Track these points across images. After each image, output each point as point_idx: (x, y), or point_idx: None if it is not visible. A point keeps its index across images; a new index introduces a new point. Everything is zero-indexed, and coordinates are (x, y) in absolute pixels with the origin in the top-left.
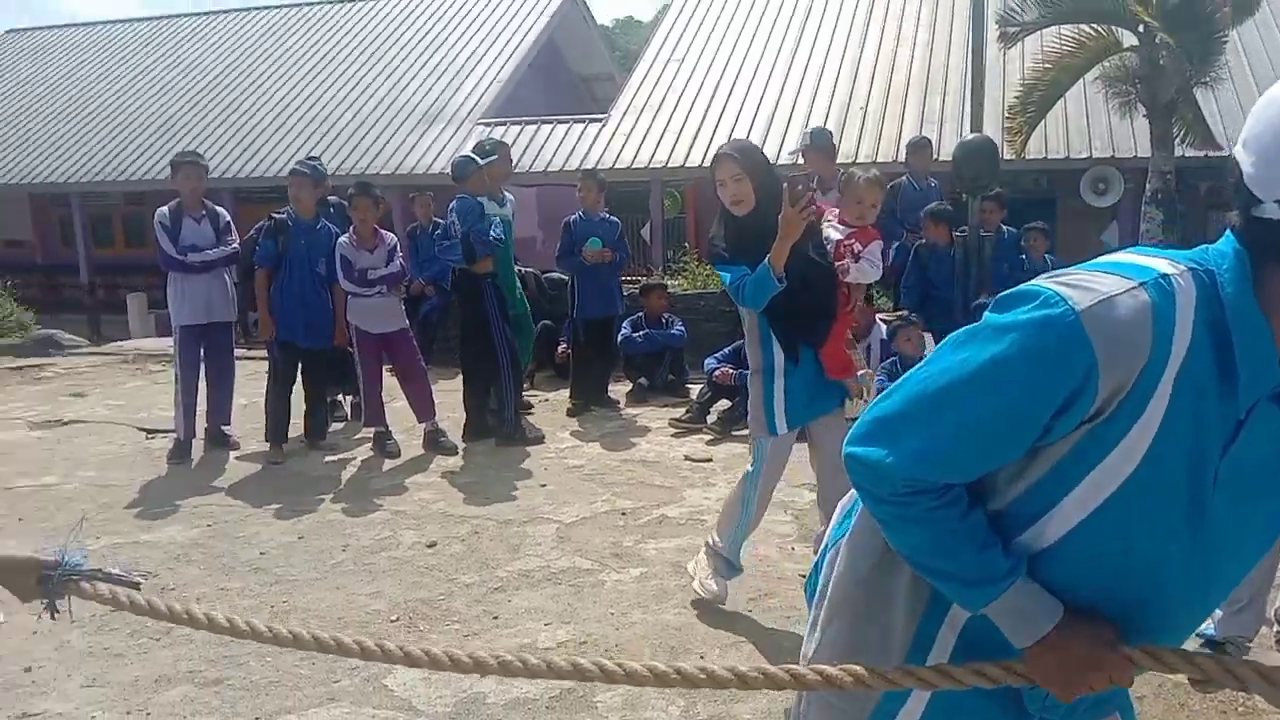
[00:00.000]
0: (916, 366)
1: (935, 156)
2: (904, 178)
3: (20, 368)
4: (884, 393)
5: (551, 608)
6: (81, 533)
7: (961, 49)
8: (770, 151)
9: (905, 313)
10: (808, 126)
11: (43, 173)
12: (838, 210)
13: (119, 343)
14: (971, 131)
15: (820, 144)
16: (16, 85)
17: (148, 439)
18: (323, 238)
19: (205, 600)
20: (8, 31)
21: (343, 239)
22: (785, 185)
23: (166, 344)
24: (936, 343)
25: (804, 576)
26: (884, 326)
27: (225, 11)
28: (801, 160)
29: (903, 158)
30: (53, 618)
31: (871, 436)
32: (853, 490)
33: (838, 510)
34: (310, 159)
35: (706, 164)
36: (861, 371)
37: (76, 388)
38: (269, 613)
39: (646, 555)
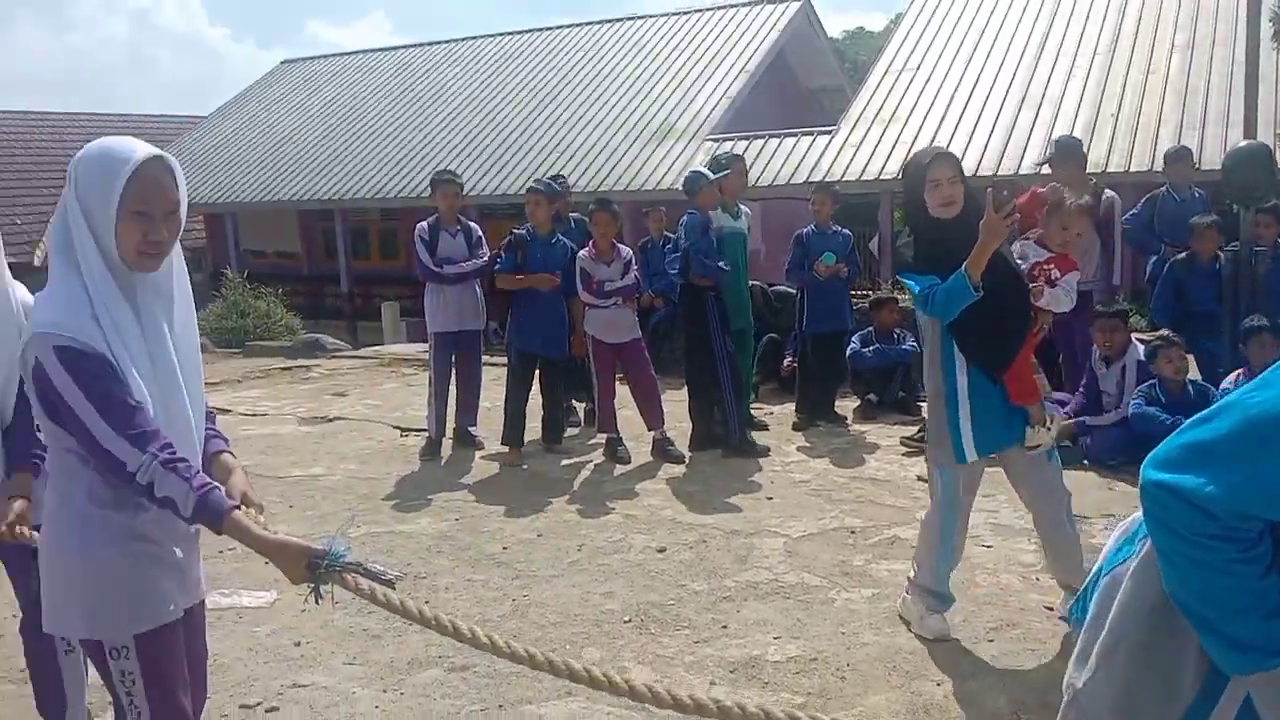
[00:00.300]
0: (1240, 391)
1: (1196, 166)
2: (1163, 189)
3: (290, 368)
4: (1196, 419)
5: (780, 621)
6: (349, 525)
7: (1225, 50)
8: (1010, 161)
9: (1165, 333)
10: (1052, 135)
11: (310, 191)
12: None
13: (375, 347)
14: (1244, 138)
15: (1069, 152)
16: (289, 111)
17: (402, 437)
18: (559, 251)
19: (453, 590)
20: (282, 62)
21: (582, 253)
22: (989, 190)
23: (417, 349)
24: (1199, 366)
25: (1049, 608)
26: (1141, 347)
27: (473, 38)
28: (1048, 170)
29: (1157, 166)
30: (316, 602)
31: (1186, 464)
32: (1135, 515)
33: (1114, 535)
34: (556, 177)
35: None
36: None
37: (339, 387)
38: (510, 605)
39: (878, 576)
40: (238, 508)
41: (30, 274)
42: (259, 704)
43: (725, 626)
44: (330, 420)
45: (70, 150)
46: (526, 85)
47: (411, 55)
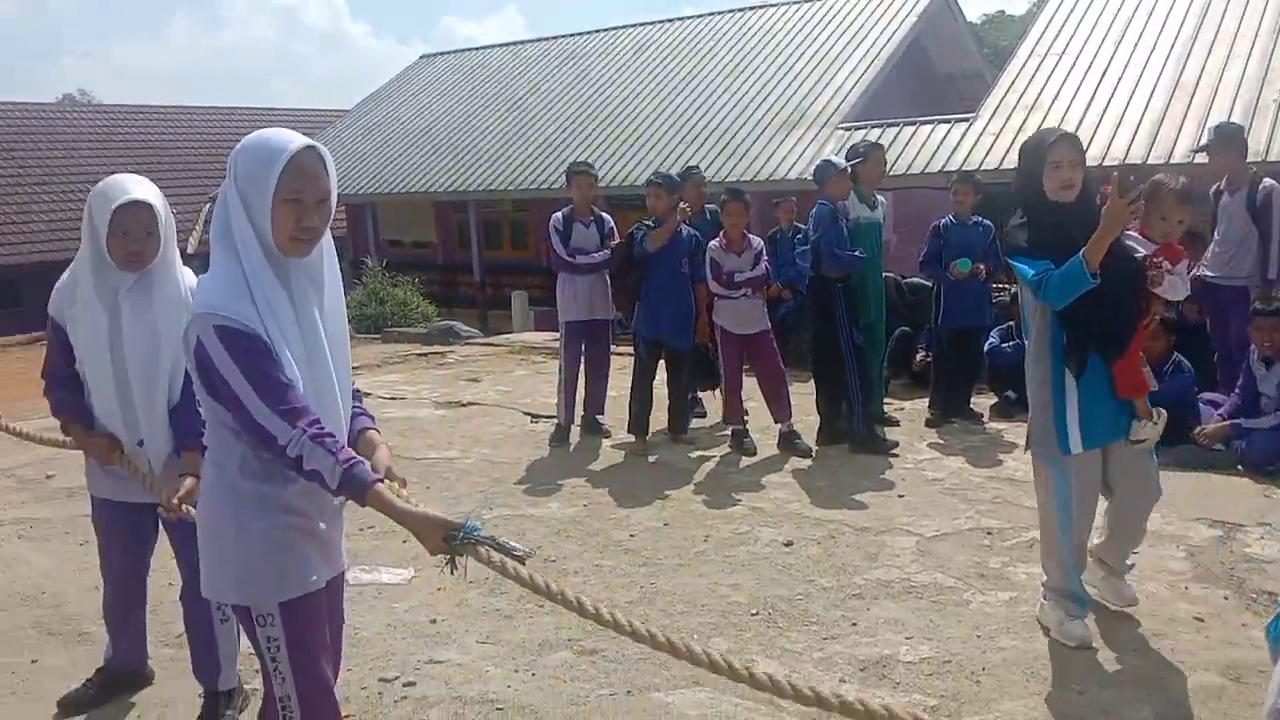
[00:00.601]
0: None
1: None
2: None
3: (425, 354)
4: None
5: (912, 621)
6: (483, 505)
7: None
8: (1161, 149)
9: None
10: (1207, 122)
11: (446, 182)
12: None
13: (506, 335)
14: None
15: (1229, 139)
16: (427, 105)
17: (532, 423)
18: (683, 240)
19: (581, 574)
20: (422, 57)
21: (712, 243)
22: (1115, 175)
23: (546, 337)
24: None
25: (1199, 619)
26: None
27: (605, 30)
28: (1205, 159)
29: None
30: (451, 573)
31: None
32: None
33: None
34: (690, 169)
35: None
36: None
37: (472, 373)
38: (638, 592)
39: (1016, 579)
40: (381, 481)
41: (184, 260)
42: (397, 678)
43: (854, 624)
44: (464, 405)
45: (223, 142)
46: (656, 76)
47: (545, 48)
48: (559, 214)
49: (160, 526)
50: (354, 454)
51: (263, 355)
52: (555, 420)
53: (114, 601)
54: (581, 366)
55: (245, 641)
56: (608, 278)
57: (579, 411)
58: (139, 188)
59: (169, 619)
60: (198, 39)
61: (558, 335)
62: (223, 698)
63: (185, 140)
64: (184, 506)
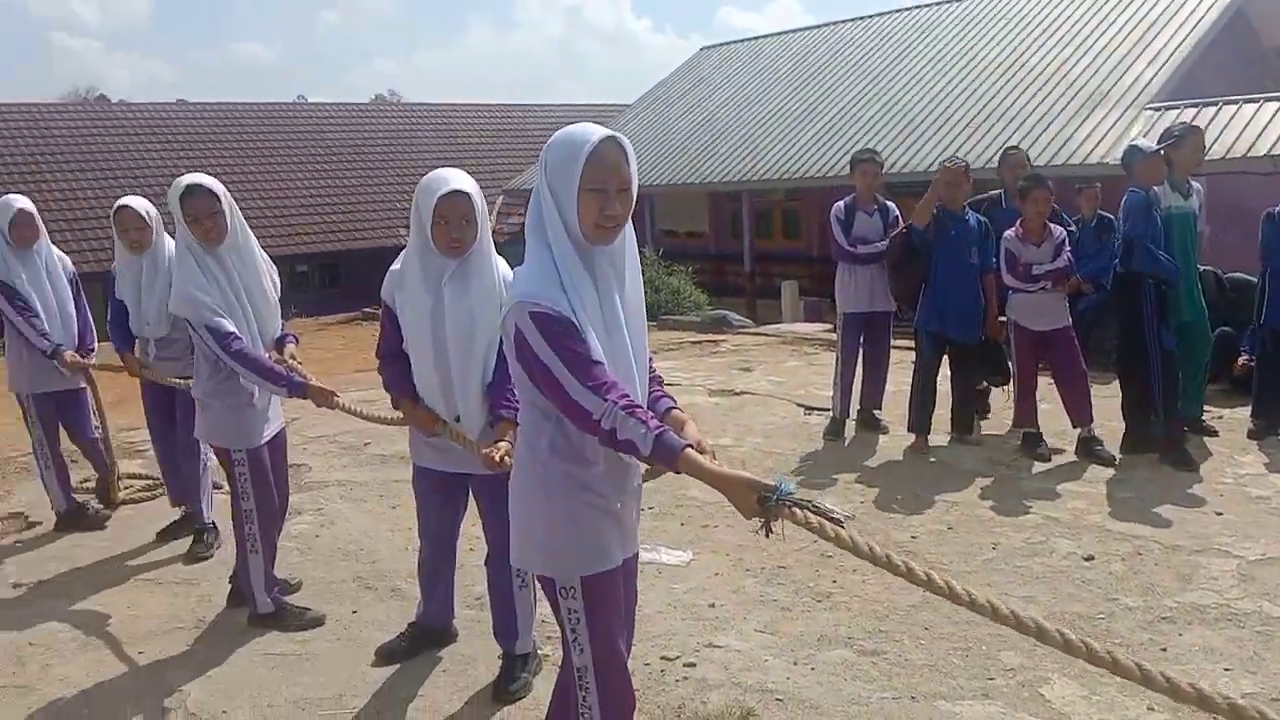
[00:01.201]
0: None
1: None
2: None
3: (699, 342)
4: None
5: (1233, 652)
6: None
7: None
8: None
9: None
10: None
11: (720, 173)
12: None
13: (778, 325)
14: None
15: None
16: (706, 96)
17: (805, 415)
18: (972, 228)
19: (860, 571)
20: (702, 49)
21: (1008, 233)
22: None
23: (818, 329)
24: None
25: None
26: None
27: (883, 14)
28: None
29: None
30: (766, 535)
31: None
32: None
33: None
34: (1011, 149)
35: None
36: None
37: (744, 363)
38: (920, 595)
39: None
40: (690, 447)
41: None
42: (678, 658)
43: (1164, 650)
44: (737, 394)
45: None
46: (937, 59)
47: (825, 34)
48: (841, 203)
49: (470, 494)
50: (662, 423)
51: (573, 337)
52: (830, 413)
53: (427, 560)
54: (859, 359)
55: (541, 611)
56: (887, 268)
57: (855, 406)
58: (458, 179)
59: (470, 582)
60: (492, 42)
61: (828, 326)
62: (519, 660)
63: (481, 135)
64: (503, 460)
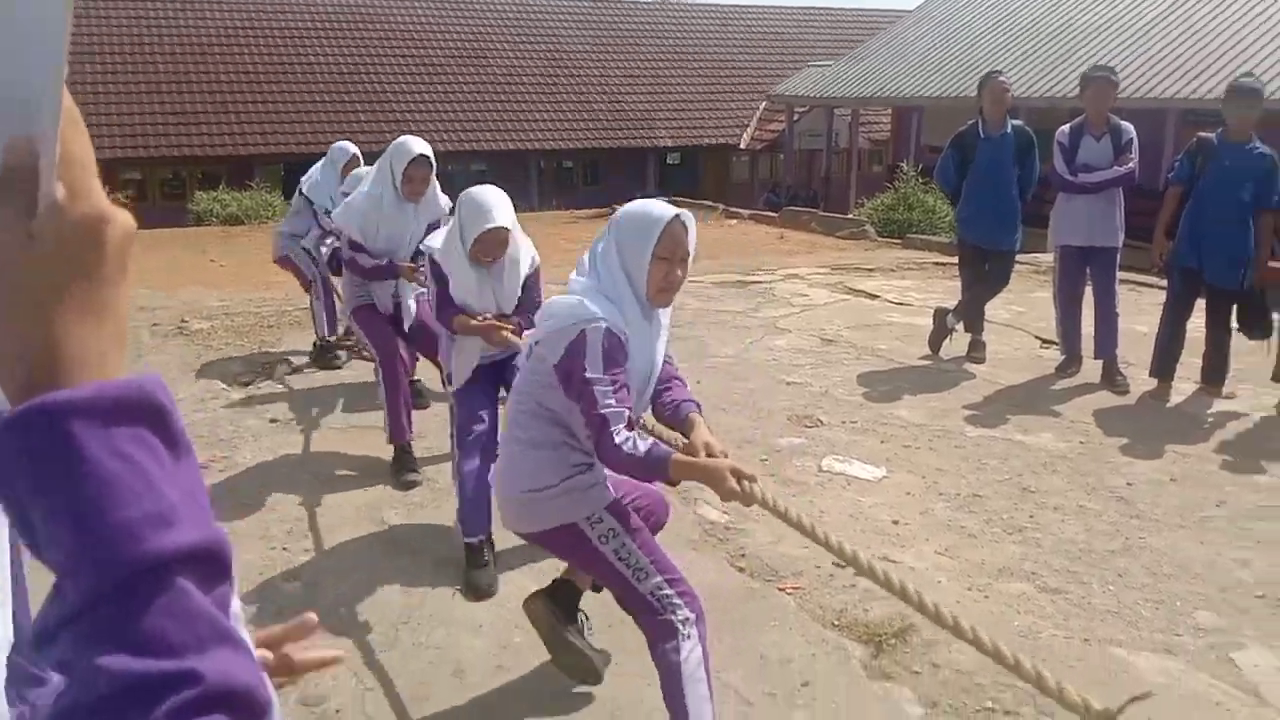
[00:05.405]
0: None
1: None
2: None
3: (943, 264)
4: None
5: None
6: (973, 424)
7: None
8: None
9: None
10: None
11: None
12: None
13: (1033, 255)
14: None
15: None
16: (979, 14)
17: (1041, 348)
18: (1253, 160)
19: (1061, 510)
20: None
21: None
22: None
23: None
24: None
25: None
26: None
27: None
28: None
29: None
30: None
31: None
32: None
33: None
34: (1246, 76)
35: None
36: None
37: None
38: (1121, 542)
39: None
40: (676, 450)
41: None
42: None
43: None
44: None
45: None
46: None
47: None
48: (1065, 127)
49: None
50: (655, 441)
51: (623, 363)
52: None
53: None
54: (1086, 297)
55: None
56: (1119, 197)
57: (1088, 346)
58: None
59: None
60: None
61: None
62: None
63: (743, 39)
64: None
